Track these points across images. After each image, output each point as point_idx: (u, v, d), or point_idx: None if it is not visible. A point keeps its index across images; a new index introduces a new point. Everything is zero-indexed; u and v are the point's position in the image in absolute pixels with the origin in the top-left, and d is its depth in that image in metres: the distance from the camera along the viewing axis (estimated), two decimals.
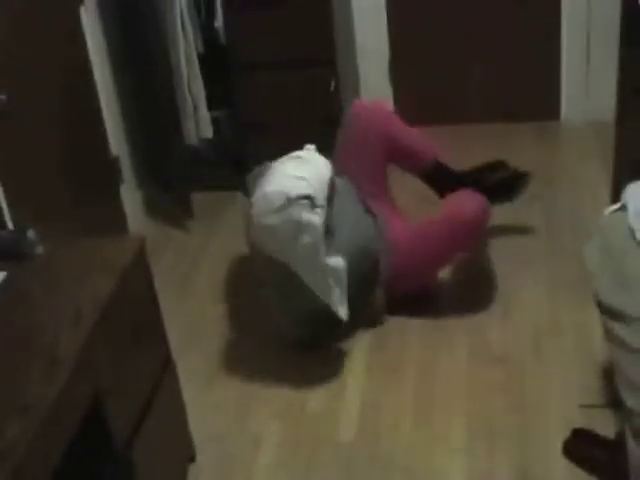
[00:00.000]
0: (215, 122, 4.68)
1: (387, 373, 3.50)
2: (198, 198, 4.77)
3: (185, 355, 3.33)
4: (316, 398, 3.42)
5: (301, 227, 3.26)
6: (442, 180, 4.00)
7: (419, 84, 5.37)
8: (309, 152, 3.58)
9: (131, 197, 4.68)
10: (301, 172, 3.36)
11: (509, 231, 4.25)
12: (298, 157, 3.52)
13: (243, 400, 3.45)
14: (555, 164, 4.93)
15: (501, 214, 4.22)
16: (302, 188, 3.28)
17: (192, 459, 3.13)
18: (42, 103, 3.67)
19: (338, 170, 3.64)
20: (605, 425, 3.01)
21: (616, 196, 3.27)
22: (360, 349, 3.64)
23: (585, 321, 3.56)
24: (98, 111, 4.26)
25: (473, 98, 5.32)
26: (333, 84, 4.62)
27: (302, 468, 3.10)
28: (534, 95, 5.30)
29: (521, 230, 4.26)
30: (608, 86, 4.92)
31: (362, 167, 3.86)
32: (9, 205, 3.19)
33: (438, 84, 5.36)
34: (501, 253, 4.08)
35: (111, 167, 4.44)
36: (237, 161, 4.79)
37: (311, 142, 4.61)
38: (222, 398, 3.47)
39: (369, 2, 5.17)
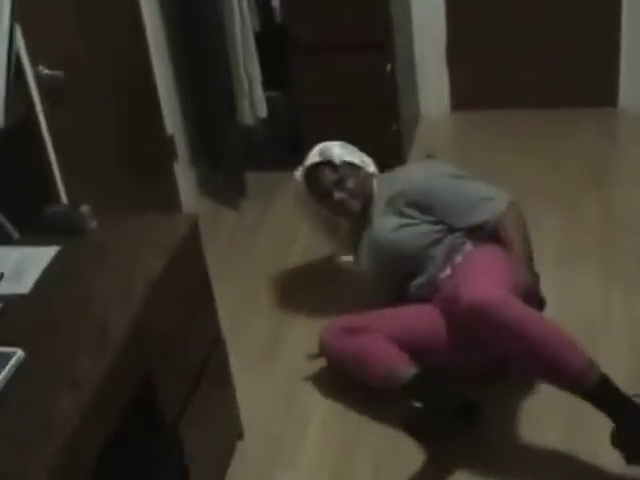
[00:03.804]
0: (270, 102, 4.68)
1: None
2: (251, 178, 4.76)
3: (235, 334, 3.33)
4: None
5: None
6: None
7: (476, 68, 5.33)
8: None
9: (185, 176, 4.71)
10: None
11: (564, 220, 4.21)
12: None
13: (291, 381, 3.46)
14: (612, 151, 4.86)
15: (556, 205, 4.19)
16: None
17: (240, 436, 3.15)
18: (99, 81, 3.70)
19: None
20: None
21: None
22: None
23: (639, 312, 3.52)
24: (154, 89, 4.29)
25: (529, 83, 5.26)
26: (389, 66, 4.59)
27: (348, 451, 3.09)
28: (592, 81, 5.22)
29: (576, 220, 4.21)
30: None
31: None
32: (63, 180, 3.22)
33: (495, 68, 5.31)
34: (555, 244, 4.03)
35: (166, 145, 4.47)
36: (292, 142, 4.78)
37: (365, 124, 4.63)
38: (270, 378, 3.48)
39: None
